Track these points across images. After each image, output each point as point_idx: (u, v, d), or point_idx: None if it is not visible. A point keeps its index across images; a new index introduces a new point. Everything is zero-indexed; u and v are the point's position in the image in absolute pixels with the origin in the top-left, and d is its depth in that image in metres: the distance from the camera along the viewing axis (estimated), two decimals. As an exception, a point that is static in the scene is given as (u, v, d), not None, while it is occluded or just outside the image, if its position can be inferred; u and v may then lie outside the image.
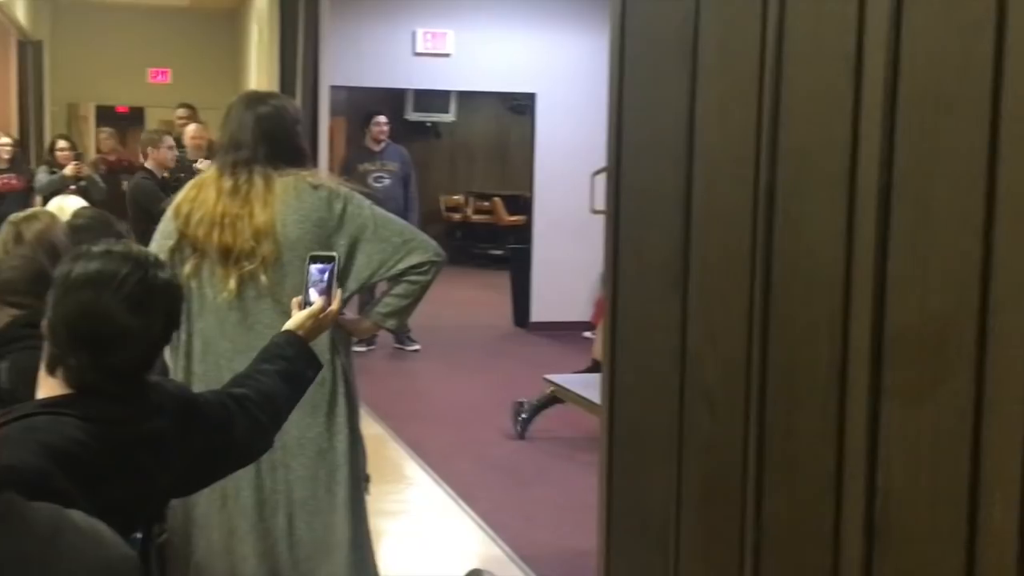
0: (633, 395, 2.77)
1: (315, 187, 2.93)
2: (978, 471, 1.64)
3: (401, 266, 2.93)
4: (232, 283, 2.85)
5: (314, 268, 2.50)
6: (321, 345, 2.88)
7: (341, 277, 2.82)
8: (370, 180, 8.40)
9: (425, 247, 2.97)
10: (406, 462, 5.63)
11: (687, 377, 2.48)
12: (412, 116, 15.62)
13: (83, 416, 1.74)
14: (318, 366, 2.33)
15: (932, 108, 1.73)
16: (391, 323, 3.05)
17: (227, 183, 2.91)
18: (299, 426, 2.86)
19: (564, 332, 9.70)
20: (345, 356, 2.99)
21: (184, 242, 2.91)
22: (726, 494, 2.31)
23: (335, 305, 2.45)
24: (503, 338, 9.68)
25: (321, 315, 2.40)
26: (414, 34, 9.50)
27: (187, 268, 2.90)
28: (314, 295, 2.45)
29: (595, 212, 2.96)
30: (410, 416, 6.66)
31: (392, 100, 14.47)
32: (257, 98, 3.05)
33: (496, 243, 15.99)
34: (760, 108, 2.22)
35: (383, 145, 8.64)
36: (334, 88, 9.05)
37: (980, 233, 1.64)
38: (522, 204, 16.34)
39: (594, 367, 5.91)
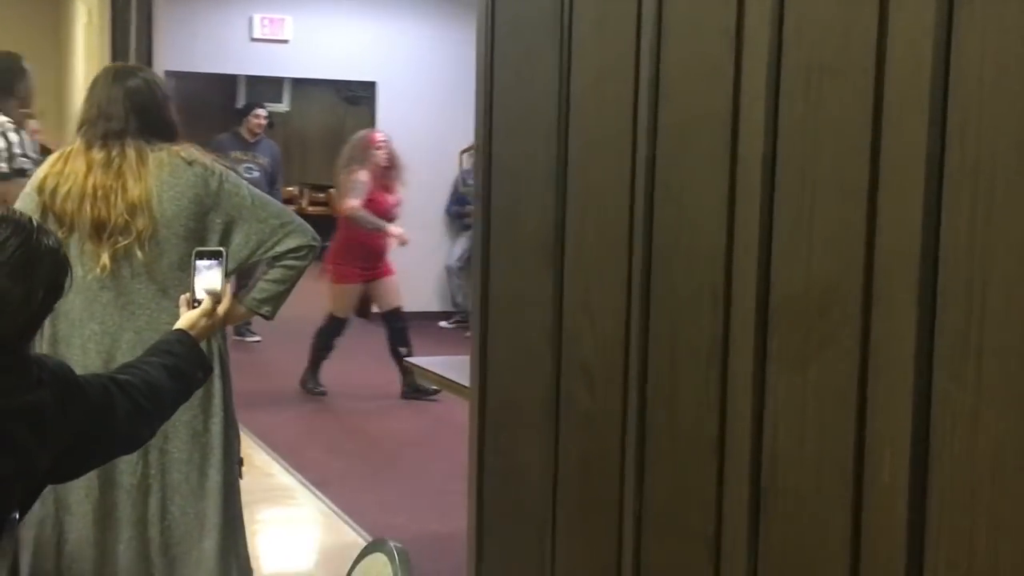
0: (506, 373, 2.77)
1: (189, 163, 2.85)
2: (864, 432, 1.68)
3: (279, 248, 2.88)
4: (105, 259, 2.75)
5: (201, 264, 2.39)
6: None
7: None
8: (240, 169, 8.27)
9: (303, 231, 2.92)
10: (256, 452, 5.52)
11: (564, 353, 2.49)
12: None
13: None
14: (209, 368, 2.25)
15: (816, 77, 1.77)
16: (266, 309, 2.97)
17: (98, 155, 2.80)
18: None
19: (409, 321, 9.66)
20: (222, 339, 2.91)
21: (48, 218, 2.79)
22: (606, 468, 2.33)
23: (225, 302, 2.36)
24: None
25: (213, 313, 2.31)
26: (251, 19, 9.32)
27: None
28: (202, 292, 2.36)
29: (464, 189, 2.92)
30: (258, 407, 6.52)
31: (224, 88, 14.14)
32: (125, 71, 2.95)
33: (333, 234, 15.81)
34: (637, 83, 2.24)
35: (258, 138, 8.54)
36: (165, 74, 8.81)
37: (864, 201, 1.68)
38: (359, 195, 16.24)
39: (330, 322, 7.03)
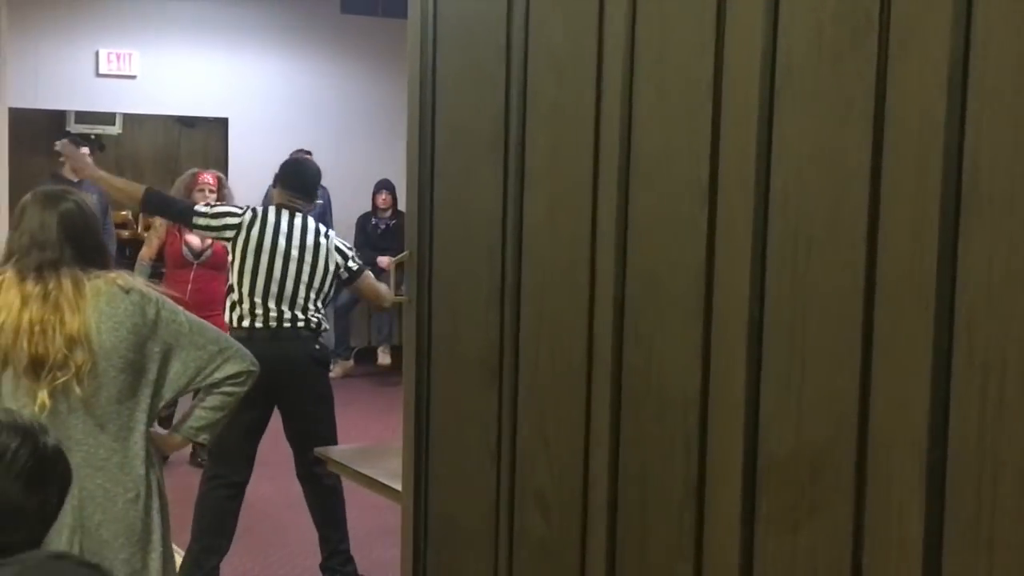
0: (445, 487, 2.75)
1: (127, 291, 2.78)
2: (860, 599, 1.73)
3: (218, 375, 2.83)
4: (44, 396, 2.62)
5: None
6: (135, 459, 2.71)
7: (156, 385, 2.71)
8: None
9: (242, 356, 2.88)
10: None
11: (516, 476, 2.48)
12: (75, 128, 14.84)
13: None
14: None
15: (804, 248, 1.82)
16: (203, 437, 2.93)
17: (33, 288, 2.69)
18: (112, 547, 2.69)
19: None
20: (159, 470, 2.82)
21: None
22: (565, 597, 2.33)
23: None
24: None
25: None
26: (97, 54, 9.02)
27: None
28: None
29: (396, 299, 2.90)
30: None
31: (53, 116, 13.64)
32: (55, 195, 2.83)
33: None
34: (595, 221, 2.25)
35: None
36: (9, 111, 8.45)
37: (857, 372, 1.74)
38: (196, 220, 15.84)
39: None
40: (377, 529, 4.97)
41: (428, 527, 2.80)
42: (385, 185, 9.27)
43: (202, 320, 2.91)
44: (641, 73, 2.14)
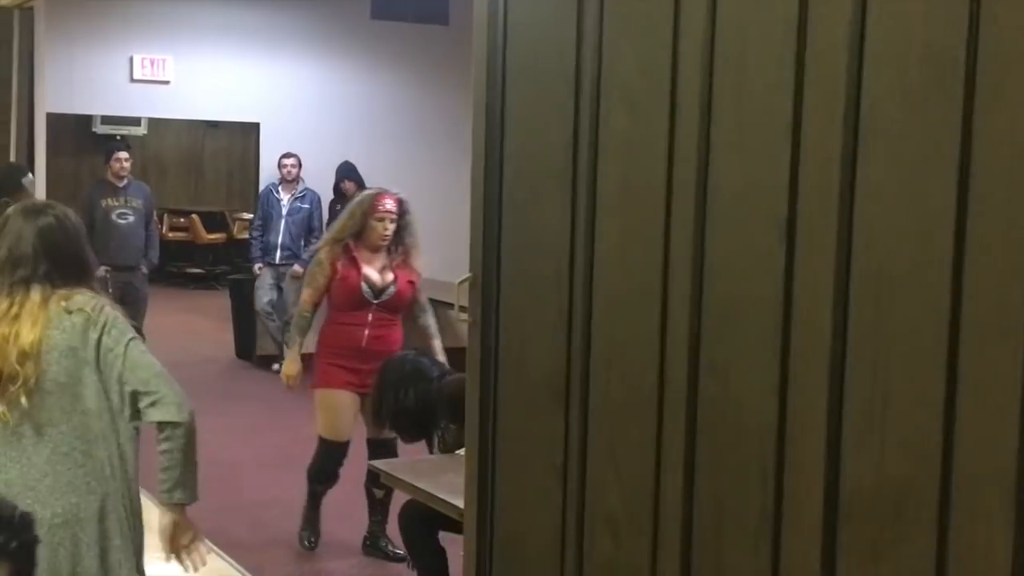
0: (510, 509, 2.79)
1: (70, 312, 2.73)
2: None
3: (150, 417, 2.70)
4: (2, 408, 2.66)
5: None
6: (67, 486, 2.70)
7: (100, 412, 2.71)
8: (113, 216, 8.09)
9: (167, 404, 2.69)
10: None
11: (587, 499, 2.52)
12: (100, 129, 15.00)
13: None
14: None
15: (887, 287, 1.86)
16: (178, 496, 2.77)
17: (2, 304, 2.72)
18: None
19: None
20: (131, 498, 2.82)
21: None
22: (636, 619, 2.38)
23: None
24: (229, 374, 9.37)
25: None
26: (131, 59, 9.08)
27: None
28: None
29: (460, 317, 2.95)
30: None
31: (80, 113, 13.76)
32: (36, 210, 2.85)
33: (194, 262, 15.60)
34: (667, 253, 2.29)
35: (126, 181, 8.31)
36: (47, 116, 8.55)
37: (940, 410, 1.78)
38: (220, 221, 15.96)
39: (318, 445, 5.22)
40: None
41: (493, 548, 2.84)
42: (346, 174, 9.13)
43: (142, 354, 2.73)
44: (717, 108, 2.18)
